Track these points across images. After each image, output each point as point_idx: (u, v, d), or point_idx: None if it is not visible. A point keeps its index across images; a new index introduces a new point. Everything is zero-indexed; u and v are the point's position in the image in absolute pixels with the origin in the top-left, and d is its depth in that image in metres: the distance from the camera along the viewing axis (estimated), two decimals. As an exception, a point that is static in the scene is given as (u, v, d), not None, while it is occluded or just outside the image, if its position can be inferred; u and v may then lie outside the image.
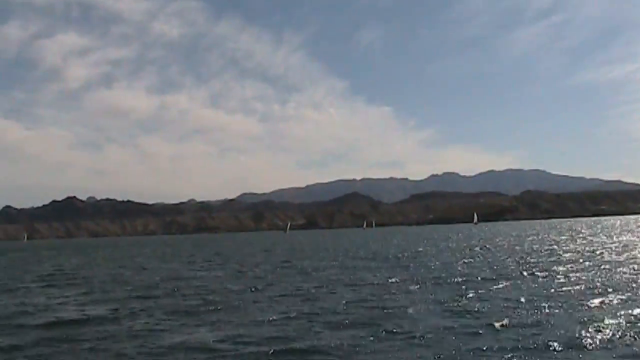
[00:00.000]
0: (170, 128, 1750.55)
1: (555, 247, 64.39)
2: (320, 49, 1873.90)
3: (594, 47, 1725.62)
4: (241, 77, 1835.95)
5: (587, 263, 40.88)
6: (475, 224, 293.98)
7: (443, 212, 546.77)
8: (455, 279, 33.10)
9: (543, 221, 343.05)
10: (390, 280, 33.76)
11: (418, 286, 30.54)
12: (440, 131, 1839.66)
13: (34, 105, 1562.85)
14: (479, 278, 33.43)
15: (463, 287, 29.43)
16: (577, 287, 27.55)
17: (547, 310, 21.09)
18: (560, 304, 22.34)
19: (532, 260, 45.86)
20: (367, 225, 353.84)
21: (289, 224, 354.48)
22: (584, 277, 31.67)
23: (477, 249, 67.43)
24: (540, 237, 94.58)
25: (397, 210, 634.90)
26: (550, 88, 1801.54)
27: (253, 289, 31.95)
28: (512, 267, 40.11)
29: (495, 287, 28.99)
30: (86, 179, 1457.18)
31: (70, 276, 48.38)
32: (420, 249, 70.66)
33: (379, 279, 35.07)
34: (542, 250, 58.29)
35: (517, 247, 66.78)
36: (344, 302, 25.34)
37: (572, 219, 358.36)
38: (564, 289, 27.04)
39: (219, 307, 25.04)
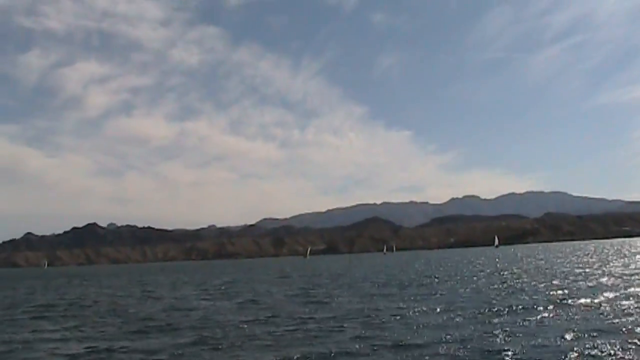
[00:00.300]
0: (190, 155, 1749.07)
1: (588, 269, 60.09)
2: (338, 74, 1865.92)
3: (613, 68, 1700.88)
4: (260, 103, 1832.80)
5: (631, 289, 36.60)
6: (497, 247, 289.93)
7: (464, 236, 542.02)
8: (488, 309, 29.23)
9: (566, 243, 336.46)
10: (411, 311, 30.01)
11: (444, 318, 26.82)
12: (461, 155, 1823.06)
13: (54, 133, 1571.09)
14: (515, 307, 29.46)
15: (498, 319, 25.63)
16: (629, 318, 23.70)
17: (602, 349, 17.34)
18: (615, 341, 18.56)
19: (568, 284, 41.78)
20: (387, 250, 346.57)
21: (309, 249, 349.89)
22: (634, 306, 27.67)
23: (506, 273, 63.20)
24: (569, 260, 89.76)
25: (418, 235, 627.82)
26: (571, 109, 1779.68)
27: (257, 322, 28.51)
28: (548, 294, 36.01)
29: (533, 317, 25.21)
30: (107, 205, 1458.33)
31: (68, 307, 44.84)
32: (443, 274, 66.48)
33: (398, 309, 31.33)
34: (576, 274, 54.04)
35: (547, 270, 62.56)
36: (356, 339, 21.73)
37: (595, 241, 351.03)
38: (615, 321, 23.17)
39: (210, 346, 21.55)
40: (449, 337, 21.37)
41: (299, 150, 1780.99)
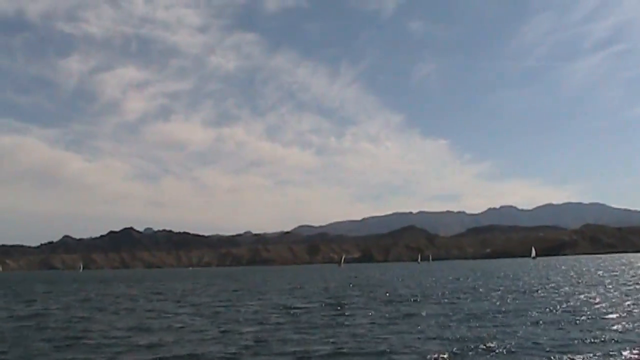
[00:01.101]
0: (226, 160, 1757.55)
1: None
2: (376, 81, 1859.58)
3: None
4: (297, 110, 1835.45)
5: None
6: (534, 258, 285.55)
7: (500, 246, 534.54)
8: (540, 340, 23.03)
9: (605, 255, 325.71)
10: (443, 336, 24.07)
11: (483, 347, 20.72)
12: (498, 164, 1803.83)
13: (93, 137, 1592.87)
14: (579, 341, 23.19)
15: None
16: None
17: None
18: None
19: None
20: (422, 259, 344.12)
21: (343, 257, 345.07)
22: None
23: (549, 286, 56.60)
24: (620, 272, 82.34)
25: (454, 244, 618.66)
26: (610, 120, 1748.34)
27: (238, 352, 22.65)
28: (614, 318, 29.68)
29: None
30: (144, 210, 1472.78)
31: (31, 320, 37.56)
32: (480, 287, 59.88)
33: (427, 334, 25.36)
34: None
35: (599, 287, 55.60)
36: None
37: (636, 254, 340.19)
38: None
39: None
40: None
41: (336, 158, 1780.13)
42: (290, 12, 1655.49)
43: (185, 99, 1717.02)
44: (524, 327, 26.70)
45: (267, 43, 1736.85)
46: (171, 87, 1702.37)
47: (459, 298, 45.81)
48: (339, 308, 39.68)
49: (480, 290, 55.45)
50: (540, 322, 28.28)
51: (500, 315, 31.78)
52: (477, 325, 27.78)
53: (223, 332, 28.41)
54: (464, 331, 25.73)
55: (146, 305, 48.47)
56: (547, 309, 34.42)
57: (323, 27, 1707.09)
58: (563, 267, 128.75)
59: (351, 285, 74.62)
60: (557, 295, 46.03)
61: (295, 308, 40.98)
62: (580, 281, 66.55)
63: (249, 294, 60.87)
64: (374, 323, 30.24)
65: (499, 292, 50.73)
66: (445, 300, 43.76)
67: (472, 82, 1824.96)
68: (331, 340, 24.47)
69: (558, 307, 35.69)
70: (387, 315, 34.24)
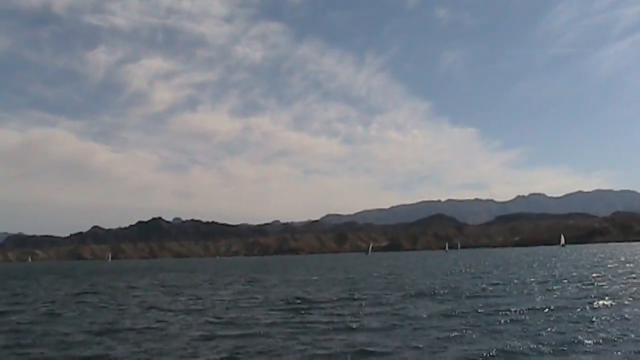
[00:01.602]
0: (254, 150, 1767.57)
1: None
2: (402, 70, 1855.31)
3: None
4: (324, 99, 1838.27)
5: None
6: (563, 246, 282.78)
7: (529, 234, 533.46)
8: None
9: (637, 243, 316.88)
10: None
11: None
12: (526, 152, 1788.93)
13: (120, 129, 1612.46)
14: None
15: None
16: None
17: None
18: None
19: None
20: (450, 248, 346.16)
21: (370, 246, 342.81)
22: None
23: (594, 275, 50.85)
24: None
25: (482, 232, 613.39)
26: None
27: None
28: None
29: None
30: (172, 200, 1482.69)
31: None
32: (514, 277, 53.93)
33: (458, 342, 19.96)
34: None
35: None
36: None
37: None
38: None
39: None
40: None
41: (363, 146, 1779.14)
42: (315, 1, 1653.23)
43: (212, 89, 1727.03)
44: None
45: (293, 32, 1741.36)
46: (198, 78, 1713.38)
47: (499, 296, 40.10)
48: (347, 305, 34.02)
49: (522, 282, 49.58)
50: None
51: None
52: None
53: (191, 339, 23.11)
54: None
55: (138, 299, 43.70)
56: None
57: (348, 15, 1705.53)
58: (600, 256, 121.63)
59: (374, 275, 69.16)
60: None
61: (300, 303, 35.73)
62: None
63: (260, 285, 55.80)
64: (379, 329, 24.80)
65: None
66: (480, 296, 38.09)
67: (500, 69, 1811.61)
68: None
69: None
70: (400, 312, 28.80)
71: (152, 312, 33.08)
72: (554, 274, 57.68)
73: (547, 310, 27.18)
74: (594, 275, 53.33)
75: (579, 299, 31.93)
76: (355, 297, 38.45)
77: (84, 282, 76.13)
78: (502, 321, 23.97)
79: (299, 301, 36.67)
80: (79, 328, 26.48)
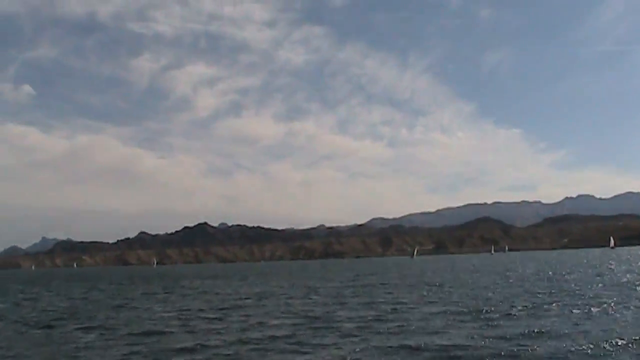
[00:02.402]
0: (298, 154, 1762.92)
1: None
2: (446, 71, 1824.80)
3: None
4: (367, 102, 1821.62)
5: None
6: (612, 248, 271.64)
7: (578, 236, 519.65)
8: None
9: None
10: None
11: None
12: (574, 152, 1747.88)
13: (166, 134, 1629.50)
14: None
15: None
16: None
17: None
18: None
19: None
20: (497, 250, 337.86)
21: (416, 249, 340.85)
22: None
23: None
24: None
25: (530, 235, 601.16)
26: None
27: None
28: None
29: None
30: (217, 204, 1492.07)
31: None
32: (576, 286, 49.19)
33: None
34: None
35: None
36: None
37: None
38: None
39: None
40: None
41: (408, 149, 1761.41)
42: (357, 3, 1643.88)
43: (255, 94, 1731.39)
44: None
45: (335, 35, 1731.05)
46: (241, 83, 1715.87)
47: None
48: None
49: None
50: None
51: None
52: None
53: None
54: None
55: (154, 308, 40.61)
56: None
57: (390, 17, 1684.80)
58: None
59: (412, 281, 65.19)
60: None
61: (311, 317, 31.76)
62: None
63: (283, 293, 52.43)
64: None
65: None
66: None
67: (545, 68, 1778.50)
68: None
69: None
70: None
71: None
72: None
73: None
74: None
75: None
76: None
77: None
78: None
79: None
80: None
